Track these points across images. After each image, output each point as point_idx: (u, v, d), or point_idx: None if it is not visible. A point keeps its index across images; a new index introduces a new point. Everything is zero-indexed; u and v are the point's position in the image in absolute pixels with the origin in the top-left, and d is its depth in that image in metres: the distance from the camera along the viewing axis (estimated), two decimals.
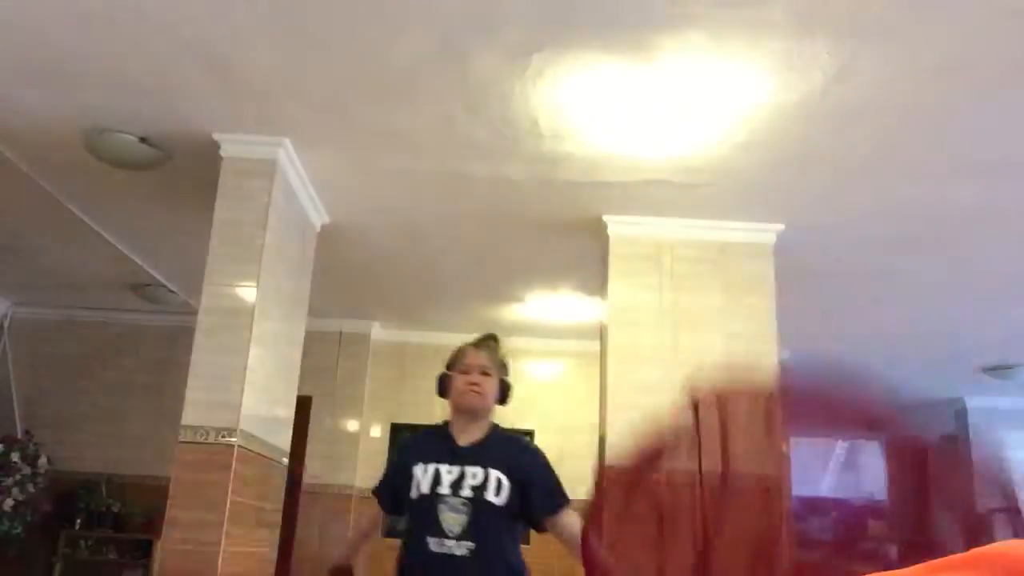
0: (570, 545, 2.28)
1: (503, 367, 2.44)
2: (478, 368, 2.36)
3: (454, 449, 2.33)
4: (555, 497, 2.33)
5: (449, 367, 2.44)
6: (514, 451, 2.38)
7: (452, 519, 2.18)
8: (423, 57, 3.05)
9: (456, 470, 2.27)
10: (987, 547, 0.53)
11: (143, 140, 3.74)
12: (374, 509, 2.57)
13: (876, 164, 3.71)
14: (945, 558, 0.54)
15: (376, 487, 2.57)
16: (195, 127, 3.64)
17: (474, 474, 2.26)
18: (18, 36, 3.05)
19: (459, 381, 2.37)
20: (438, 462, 2.30)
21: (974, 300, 5.45)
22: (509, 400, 2.43)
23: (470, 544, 2.16)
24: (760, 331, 4.31)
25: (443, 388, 2.43)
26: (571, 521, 2.28)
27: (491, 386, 2.37)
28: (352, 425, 6.75)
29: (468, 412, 2.38)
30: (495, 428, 2.41)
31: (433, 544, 2.17)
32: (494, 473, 2.25)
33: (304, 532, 5.99)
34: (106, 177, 4.11)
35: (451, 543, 2.16)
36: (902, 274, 5.04)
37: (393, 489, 2.43)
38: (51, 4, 2.85)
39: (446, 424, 2.44)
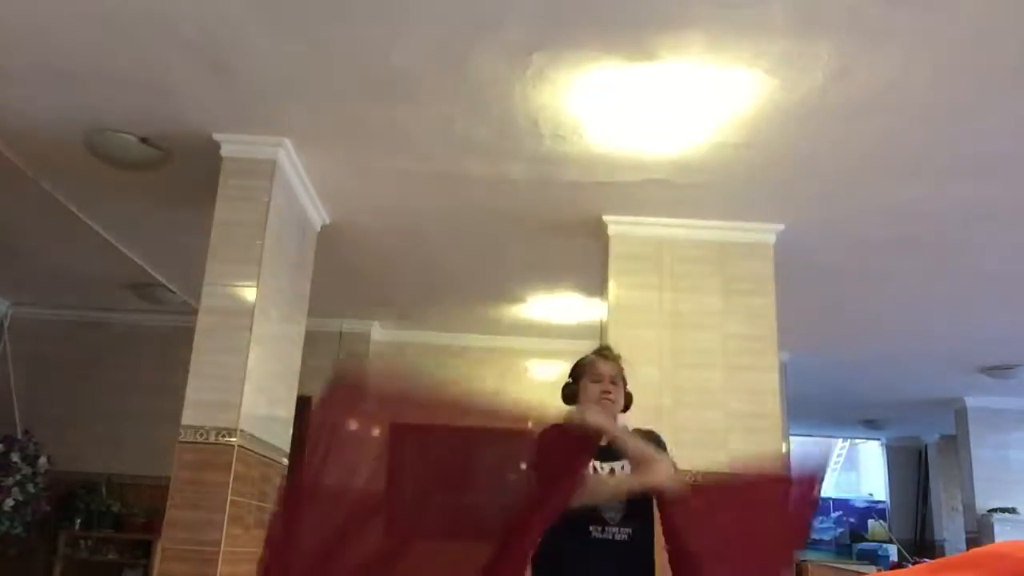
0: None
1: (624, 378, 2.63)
2: (609, 378, 2.55)
3: (601, 448, 2.48)
4: None
5: (576, 378, 2.63)
6: (648, 444, 2.52)
7: (610, 509, 2.38)
8: (423, 57, 3.05)
9: (607, 466, 2.46)
10: (987, 547, 0.53)
11: (143, 140, 3.74)
12: None
13: (876, 164, 3.71)
14: (945, 558, 0.55)
15: None
16: (195, 127, 3.63)
17: (623, 466, 2.45)
18: (19, 36, 3.05)
19: (593, 390, 2.55)
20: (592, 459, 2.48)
21: (974, 300, 5.45)
22: (630, 407, 2.63)
23: (628, 530, 2.37)
24: (760, 331, 4.31)
25: (571, 397, 2.63)
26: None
27: (620, 394, 2.57)
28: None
29: None
30: (626, 429, 2.56)
31: (595, 531, 2.37)
32: None
33: None
34: (106, 177, 4.10)
35: (613, 529, 2.37)
36: (902, 274, 5.04)
37: None
38: (51, 4, 2.85)
39: None
